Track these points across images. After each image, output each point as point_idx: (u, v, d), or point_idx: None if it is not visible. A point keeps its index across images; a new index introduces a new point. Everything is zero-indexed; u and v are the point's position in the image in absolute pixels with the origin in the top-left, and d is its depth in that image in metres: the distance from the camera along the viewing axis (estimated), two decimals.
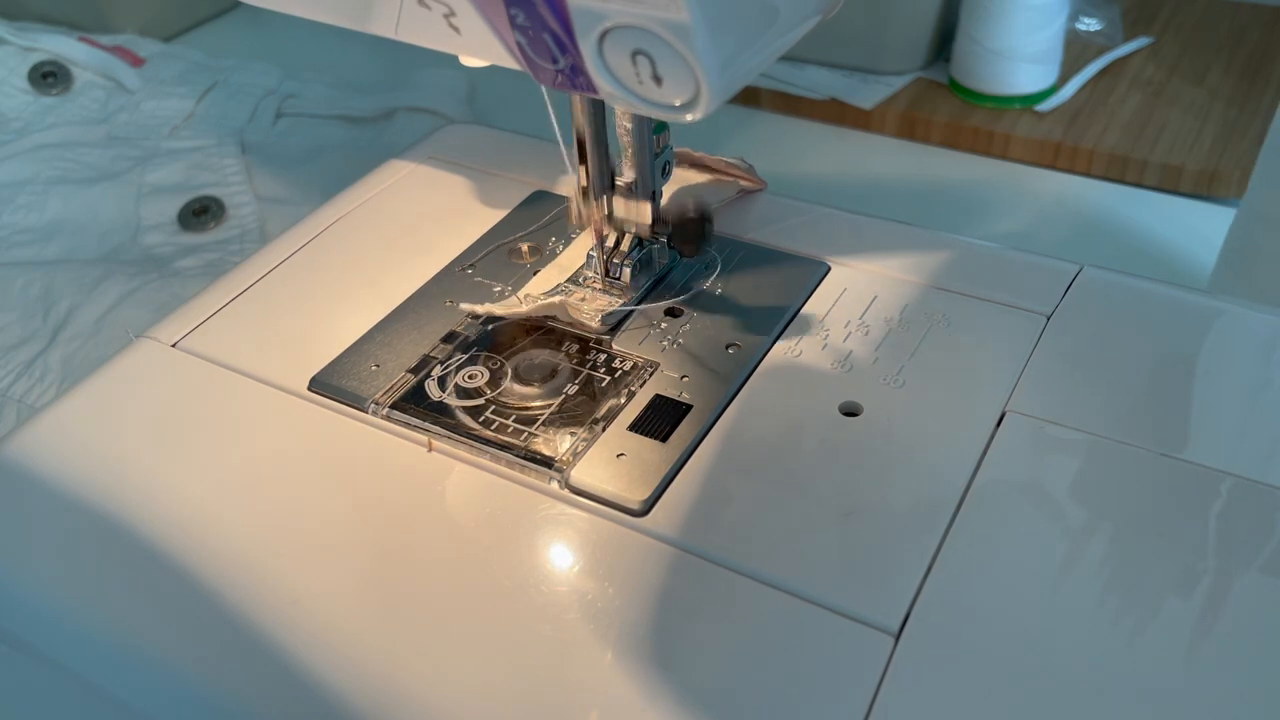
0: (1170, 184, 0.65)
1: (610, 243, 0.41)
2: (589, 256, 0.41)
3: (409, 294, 0.42)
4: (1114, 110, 0.70)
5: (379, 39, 0.35)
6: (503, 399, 0.37)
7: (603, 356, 0.39)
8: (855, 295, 0.40)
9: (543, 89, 0.32)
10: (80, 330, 0.57)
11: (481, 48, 0.32)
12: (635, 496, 0.33)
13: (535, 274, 0.42)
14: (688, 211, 0.38)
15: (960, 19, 0.72)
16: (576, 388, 0.38)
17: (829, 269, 0.42)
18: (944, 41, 0.77)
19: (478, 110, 0.75)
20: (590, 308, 0.40)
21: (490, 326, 0.40)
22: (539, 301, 0.40)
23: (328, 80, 0.77)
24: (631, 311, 0.40)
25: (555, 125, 0.38)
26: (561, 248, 0.44)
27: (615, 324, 0.40)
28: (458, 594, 0.31)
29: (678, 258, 0.42)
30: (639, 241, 0.41)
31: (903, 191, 0.67)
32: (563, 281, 0.42)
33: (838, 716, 0.27)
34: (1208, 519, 0.32)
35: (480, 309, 0.40)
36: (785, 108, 0.75)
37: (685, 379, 0.37)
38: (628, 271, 0.41)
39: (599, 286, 0.41)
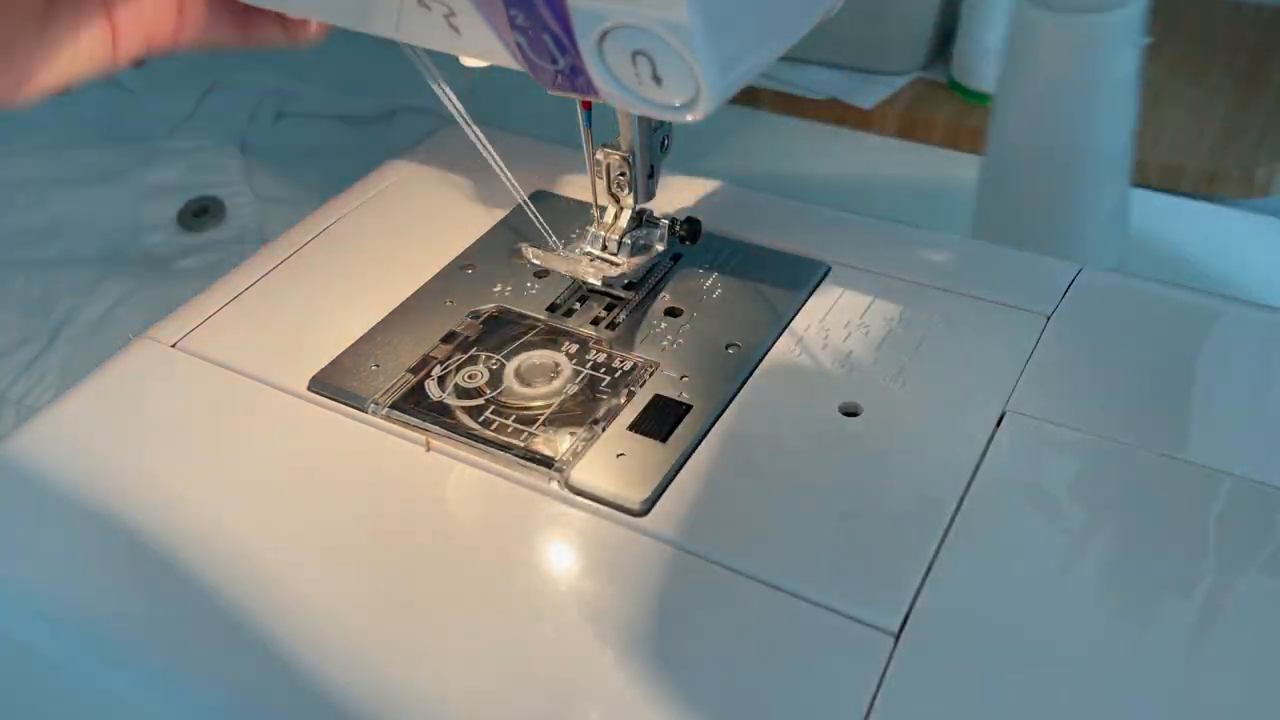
0: (1170, 184, 0.65)
1: (609, 217, 0.41)
2: (587, 231, 0.41)
3: (409, 294, 0.42)
4: None
5: (379, 39, 0.35)
6: (503, 399, 0.37)
7: (603, 356, 0.39)
8: (855, 295, 0.40)
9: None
10: (80, 331, 0.57)
11: (481, 48, 0.32)
12: (635, 496, 0.33)
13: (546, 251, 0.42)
14: None
15: (960, 19, 0.72)
16: (576, 388, 0.38)
17: (829, 269, 0.42)
18: (944, 41, 0.77)
19: (478, 110, 0.75)
20: (588, 267, 0.40)
21: (491, 325, 0.40)
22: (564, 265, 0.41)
23: (328, 80, 0.77)
24: (634, 297, 0.41)
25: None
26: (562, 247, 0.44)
27: (620, 284, 0.40)
28: (457, 593, 0.31)
29: (675, 246, 0.42)
30: (637, 221, 0.41)
31: (903, 191, 0.67)
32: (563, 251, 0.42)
33: (837, 716, 0.27)
34: (1208, 519, 0.32)
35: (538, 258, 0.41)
36: (785, 108, 0.75)
37: (685, 379, 0.37)
38: (627, 247, 0.40)
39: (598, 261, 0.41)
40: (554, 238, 0.42)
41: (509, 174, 0.41)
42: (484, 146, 0.41)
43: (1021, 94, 0.49)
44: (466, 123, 0.40)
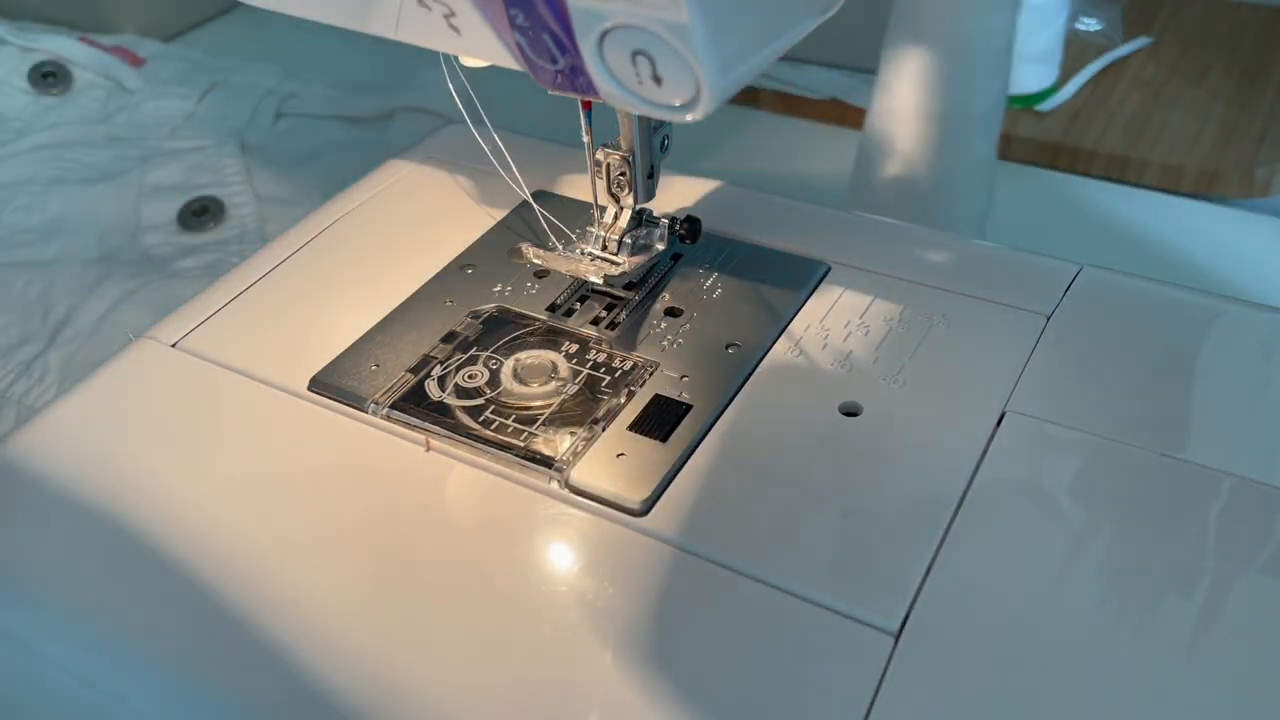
0: (1170, 184, 0.65)
1: (609, 216, 0.41)
2: (587, 232, 0.41)
3: (409, 294, 0.42)
4: (1114, 110, 0.70)
5: (379, 39, 0.35)
6: (503, 399, 0.37)
7: (603, 356, 0.39)
8: (855, 295, 0.40)
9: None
10: (80, 331, 0.57)
11: (481, 48, 0.32)
12: (635, 496, 0.33)
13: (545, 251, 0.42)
14: None
15: None
16: (576, 388, 0.38)
17: (829, 269, 0.42)
18: None
19: (477, 110, 0.75)
20: (589, 266, 0.40)
21: (490, 325, 0.40)
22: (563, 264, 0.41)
23: (328, 80, 0.77)
24: (634, 297, 0.41)
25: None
26: (561, 246, 0.44)
27: (621, 283, 0.41)
28: (457, 594, 0.31)
29: (676, 245, 0.42)
30: (637, 221, 0.41)
31: None
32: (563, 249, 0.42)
33: (837, 716, 0.27)
34: (1208, 519, 0.32)
35: (536, 257, 0.41)
36: (785, 108, 0.75)
37: (685, 379, 0.37)
38: (627, 246, 0.40)
39: (596, 261, 0.41)
40: (561, 236, 0.42)
41: (516, 173, 0.41)
42: (493, 145, 0.41)
43: (905, 63, 0.53)
44: (480, 120, 0.40)
